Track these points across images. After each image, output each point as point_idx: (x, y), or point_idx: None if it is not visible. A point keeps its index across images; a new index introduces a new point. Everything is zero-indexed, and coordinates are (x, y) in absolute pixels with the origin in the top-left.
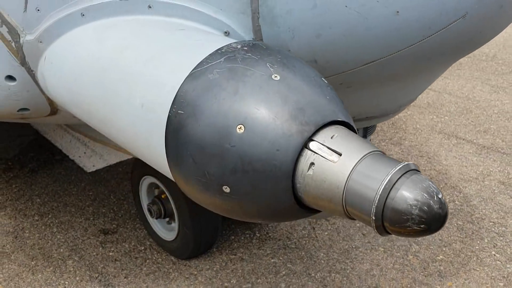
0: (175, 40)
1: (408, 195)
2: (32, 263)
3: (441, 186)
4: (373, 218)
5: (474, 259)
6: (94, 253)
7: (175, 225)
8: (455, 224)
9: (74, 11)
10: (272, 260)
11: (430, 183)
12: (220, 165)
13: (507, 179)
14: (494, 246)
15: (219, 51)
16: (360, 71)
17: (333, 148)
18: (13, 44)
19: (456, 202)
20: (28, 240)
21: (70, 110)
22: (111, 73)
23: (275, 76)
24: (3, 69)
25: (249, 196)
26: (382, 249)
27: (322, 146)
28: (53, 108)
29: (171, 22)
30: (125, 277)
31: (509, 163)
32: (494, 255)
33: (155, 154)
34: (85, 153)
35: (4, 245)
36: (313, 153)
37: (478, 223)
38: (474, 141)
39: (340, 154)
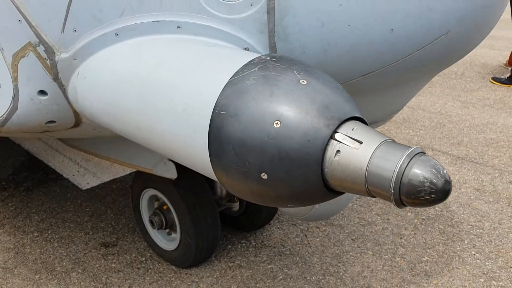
0: (209, 53)
1: (419, 172)
2: (36, 277)
3: None
4: (392, 192)
5: (456, 258)
6: (97, 265)
7: (176, 235)
8: (437, 228)
9: (108, 31)
10: (269, 266)
11: (436, 162)
12: (259, 155)
13: (481, 186)
14: (473, 247)
15: (252, 62)
16: (359, 81)
17: (354, 137)
18: (48, 61)
19: (437, 208)
20: (29, 255)
21: (100, 120)
22: (150, 84)
23: (303, 81)
24: (37, 84)
25: (284, 181)
26: (371, 253)
27: (346, 136)
28: (78, 121)
29: (198, 40)
30: (129, 287)
31: (483, 171)
32: (474, 254)
33: (196, 152)
34: (78, 171)
35: (6, 261)
36: (338, 142)
37: (457, 227)
38: (449, 152)
39: (361, 143)
